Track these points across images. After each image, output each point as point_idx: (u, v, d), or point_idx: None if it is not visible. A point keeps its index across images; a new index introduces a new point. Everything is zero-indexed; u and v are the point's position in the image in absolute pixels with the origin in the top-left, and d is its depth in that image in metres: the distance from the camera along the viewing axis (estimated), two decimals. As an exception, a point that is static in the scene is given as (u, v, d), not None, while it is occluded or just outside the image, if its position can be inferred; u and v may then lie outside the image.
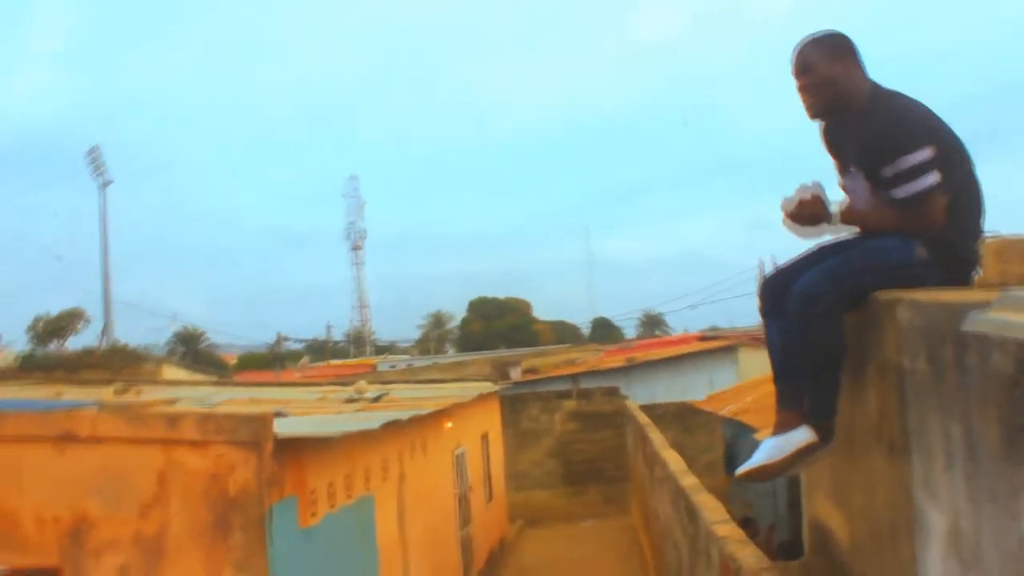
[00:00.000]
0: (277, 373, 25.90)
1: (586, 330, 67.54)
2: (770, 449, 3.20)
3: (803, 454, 3.16)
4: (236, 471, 5.74)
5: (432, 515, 10.60)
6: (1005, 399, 2.25)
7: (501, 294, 64.30)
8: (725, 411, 13.42)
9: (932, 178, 2.98)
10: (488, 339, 58.68)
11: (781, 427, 3.22)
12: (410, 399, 11.17)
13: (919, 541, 2.81)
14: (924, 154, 2.98)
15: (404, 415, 8.09)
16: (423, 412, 9.18)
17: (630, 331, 66.60)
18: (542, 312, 65.99)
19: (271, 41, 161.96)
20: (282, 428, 6.10)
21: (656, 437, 11.21)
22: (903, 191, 3.03)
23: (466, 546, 12.62)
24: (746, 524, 9.63)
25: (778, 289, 3.31)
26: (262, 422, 5.82)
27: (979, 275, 3.04)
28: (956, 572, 2.56)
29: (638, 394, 21.98)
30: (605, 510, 19.93)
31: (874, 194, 3.17)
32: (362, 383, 13.65)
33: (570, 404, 21.46)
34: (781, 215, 3.24)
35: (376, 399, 10.89)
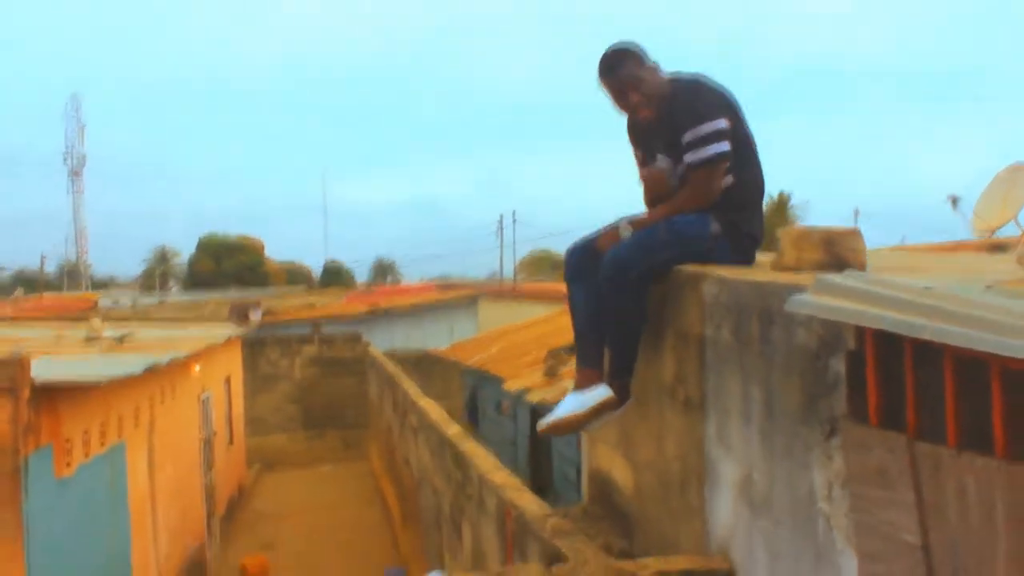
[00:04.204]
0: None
1: (318, 273, 66.40)
2: (571, 404, 3.47)
3: (601, 410, 3.45)
4: (-13, 419, 5.30)
5: (179, 462, 10.21)
6: (807, 369, 2.62)
7: (233, 232, 61.36)
8: (472, 361, 13.87)
9: (724, 146, 3.33)
10: (217, 278, 56.17)
11: (581, 384, 3.49)
12: (157, 340, 10.62)
13: (709, 488, 3.20)
14: (720, 123, 3.34)
15: (162, 359, 7.72)
16: (180, 355, 8.79)
17: (362, 276, 66.27)
18: (275, 253, 63.90)
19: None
20: (39, 372, 5.67)
21: (410, 387, 11.44)
22: (696, 155, 3.35)
23: (209, 492, 12.27)
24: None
25: (584, 257, 3.57)
26: (19, 366, 5.39)
27: (773, 257, 3.44)
28: (746, 515, 2.96)
29: (379, 341, 22.10)
30: (344, 455, 20.02)
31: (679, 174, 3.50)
32: (96, 321, 12.74)
33: (311, 349, 21.23)
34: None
35: (120, 340, 10.26)
